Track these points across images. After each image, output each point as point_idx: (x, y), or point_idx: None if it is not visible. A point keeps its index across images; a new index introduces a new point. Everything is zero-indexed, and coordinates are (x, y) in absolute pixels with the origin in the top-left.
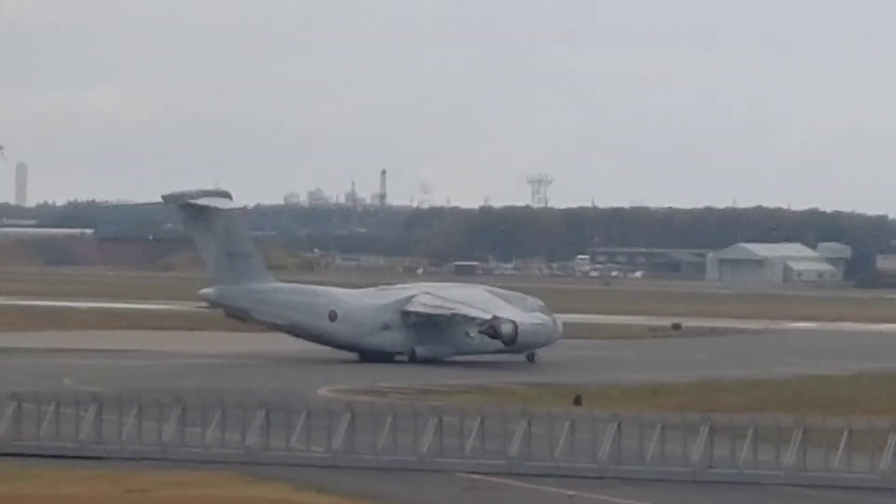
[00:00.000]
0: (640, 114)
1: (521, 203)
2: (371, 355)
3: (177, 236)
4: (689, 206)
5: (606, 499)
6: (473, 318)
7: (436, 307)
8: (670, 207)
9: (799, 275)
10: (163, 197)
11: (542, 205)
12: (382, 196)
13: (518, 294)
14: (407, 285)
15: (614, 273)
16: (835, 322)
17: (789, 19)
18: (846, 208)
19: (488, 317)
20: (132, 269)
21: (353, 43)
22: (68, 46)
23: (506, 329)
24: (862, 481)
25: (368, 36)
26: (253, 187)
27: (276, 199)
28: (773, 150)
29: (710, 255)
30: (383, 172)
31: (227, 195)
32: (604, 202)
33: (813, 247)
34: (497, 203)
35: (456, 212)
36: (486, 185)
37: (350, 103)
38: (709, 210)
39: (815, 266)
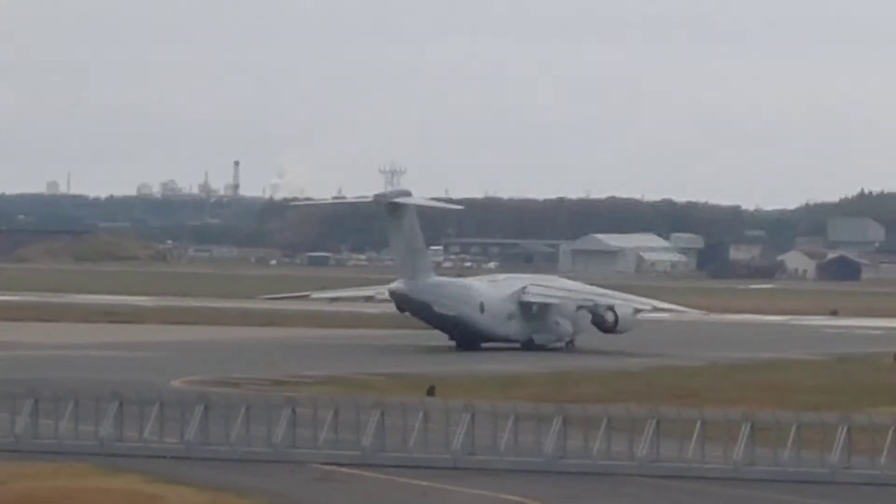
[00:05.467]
0: (494, 104)
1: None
2: (470, 344)
3: (28, 227)
4: (542, 198)
5: (460, 489)
6: (622, 306)
7: (564, 298)
8: (524, 199)
9: (652, 265)
10: (374, 196)
11: None
12: (235, 187)
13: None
14: (500, 276)
15: (468, 264)
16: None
17: (643, 11)
18: (699, 199)
19: (648, 307)
20: None
21: (206, 32)
22: None
23: (609, 317)
24: (715, 472)
25: (222, 25)
26: (105, 178)
27: (129, 190)
28: (626, 142)
29: (563, 245)
30: (236, 163)
31: (409, 194)
32: (457, 193)
33: (666, 237)
34: (351, 194)
35: (309, 203)
36: (339, 176)
37: (203, 94)
38: (562, 201)
39: (667, 256)
